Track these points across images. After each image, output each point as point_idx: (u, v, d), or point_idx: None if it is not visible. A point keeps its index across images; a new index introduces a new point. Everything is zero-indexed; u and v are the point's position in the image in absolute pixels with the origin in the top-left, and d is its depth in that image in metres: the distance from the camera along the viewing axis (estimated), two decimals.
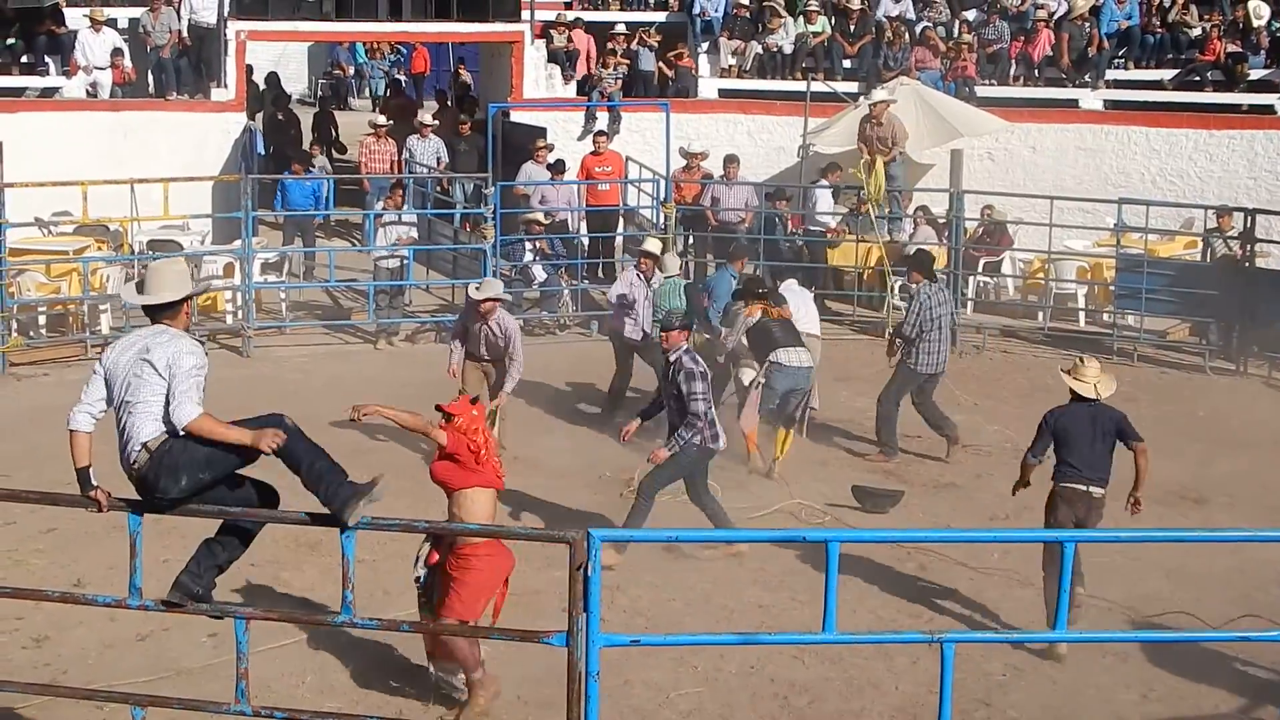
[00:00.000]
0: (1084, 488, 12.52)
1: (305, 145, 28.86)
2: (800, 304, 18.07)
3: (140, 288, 9.25)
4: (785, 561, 13.57)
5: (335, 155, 30.45)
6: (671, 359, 14.07)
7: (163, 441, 8.84)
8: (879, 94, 24.42)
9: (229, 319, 22.20)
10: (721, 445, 14.23)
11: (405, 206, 23.61)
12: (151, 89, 26.78)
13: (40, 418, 17.36)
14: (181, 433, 8.81)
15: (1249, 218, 21.49)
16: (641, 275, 18.43)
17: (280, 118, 30.60)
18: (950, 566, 13.84)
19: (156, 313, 9.17)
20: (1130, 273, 22.20)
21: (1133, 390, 20.12)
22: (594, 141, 25.66)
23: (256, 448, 8.84)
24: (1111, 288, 22.69)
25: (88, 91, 26.25)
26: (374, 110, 35.02)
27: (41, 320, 21.50)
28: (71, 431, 9.00)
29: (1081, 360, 13.16)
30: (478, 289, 16.70)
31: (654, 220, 24.02)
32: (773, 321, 17.02)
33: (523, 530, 9.69)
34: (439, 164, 26.29)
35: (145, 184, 21.96)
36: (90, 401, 9.03)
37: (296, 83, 41.23)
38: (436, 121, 27.85)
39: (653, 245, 18.84)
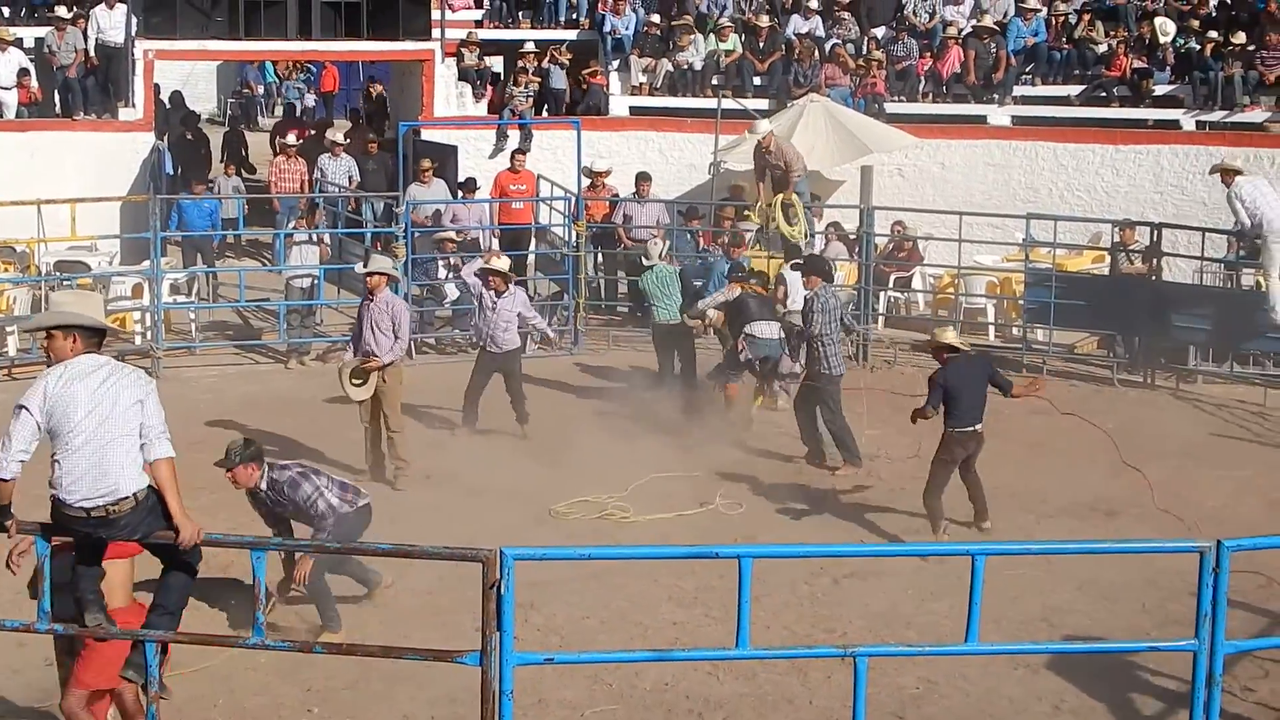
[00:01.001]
0: (972, 429, 15.16)
1: (215, 164, 28.69)
2: (798, 287, 19.14)
3: (55, 310, 9.14)
4: (699, 578, 13.58)
5: (245, 175, 30.26)
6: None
7: (147, 490, 8.78)
8: (762, 125, 24.31)
9: (138, 340, 22.00)
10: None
11: (319, 225, 23.52)
12: (58, 109, 26.56)
13: None
14: (149, 460, 8.74)
15: (1154, 232, 21.70)
16: (493, 291, 18.32)
17: (189, 137, 30.40)
18: (864, 581, 13.88)
19: (91, 343, 9.01)
20: (1039, 287, 22.36)
21: (1043, 404, 20.30)
22: (512, 159, 25.57)
23: (178, 527, 8.80)
24: (1020, 302, 22.87)
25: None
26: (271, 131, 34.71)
27: None
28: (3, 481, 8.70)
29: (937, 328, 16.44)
30: (364, 265, 17.28)
31: (565, 238, 23.99)
32: (750, 296, 19.03)
33: (435, 549, 9.62)
34: (350, 183, 26.19)
35: (52, 204, 21.76)
36: (24, 448, 8.69)
37: (206, 102, 41.00)
38: (348, 140, 27.75)
39: (500, 264, 18.70)
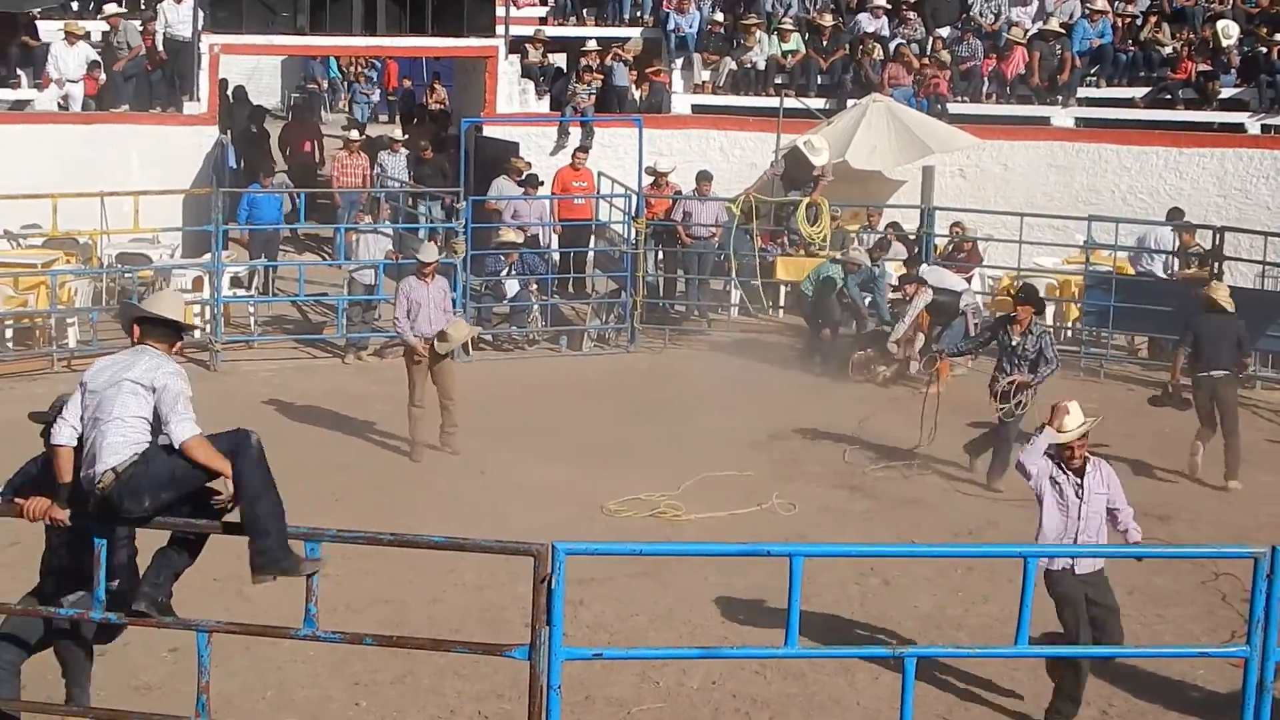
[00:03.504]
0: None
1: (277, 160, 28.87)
2: (944, 275, 21.80)
3: (140, 301, 9.27)
4: (749, 576, 13.57)
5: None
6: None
7: (129, 465, 8.82)
8: (823, 156, 24.58)
9: (197, 333, 22.13)
10: None
11: (382, 220, 23.64)
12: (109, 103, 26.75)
13: (5, 432, 17.31)
14: (176, 446, 8.80)
15: (1217, 235, 21.55)
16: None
17: (254, 131, 30.56)
18: (914, 582, 13.85)
19: (146, 335, 9.18)
20: (1099, 290, 22.26)
21: (1100, 407, 20.17)
22: (574, 157, 25.67)
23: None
24: (1080, 305, 22.75)
25: (59, 104, 26.23)
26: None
27: (9, 334, 21.38)
28: (55, 446, 9.02)
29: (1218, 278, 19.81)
30: (422, 254, 18.08)
31: (625, 235, 24.03)
32: (936, 292, 21.24)
33: (487, 543, 9.67)
34: (409, 179, 26.30)
35: (115, 197, 21.94)
36: (72, 418, 9.03)
37: (270, 97, 41.17)
38: (406, 136, 27.89)
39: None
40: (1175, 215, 23.38)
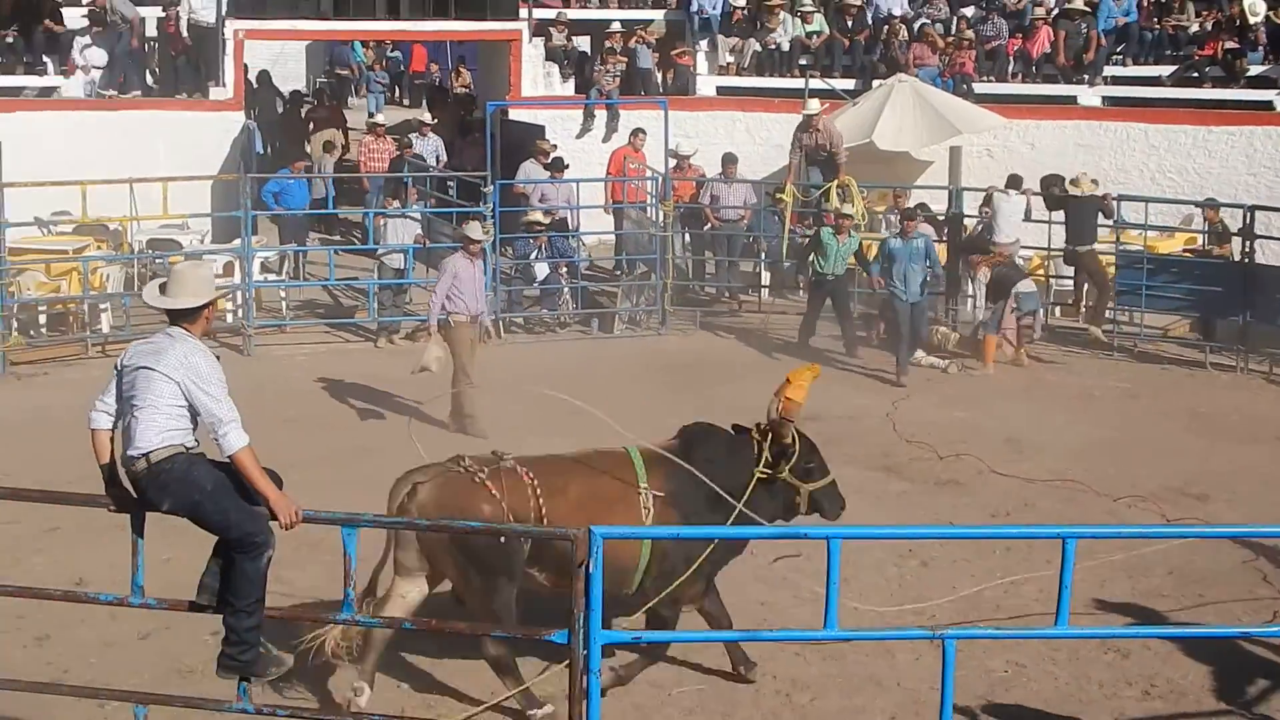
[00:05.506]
0: None
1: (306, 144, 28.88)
2: (1011, 213, 22.63)
3: (163, 289, 9.24)
4: (787, 560, 13.53)
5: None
6: None
7: (165, 458, 8.85)
8: (813, 104, 24.53)
9: (229, 318, 22.18)
10: None
11: (410, 205, 23.63)
12: (125, 88, 26.75)
13: (40, 417, 17.40)
14: (226, 456, 8.84)
15: (1248, 214, 21.46)
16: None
17: (290, 117, 30.60)
18: (952, 563, 13.83)
19: (177, 316, 9.16)
20: (1130, 269, 22.19)
21: (1134, 386, 20.20)
22: (632, 138, 25.71)
23: (272, 508, 8.92)
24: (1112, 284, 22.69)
25: (86, 90, 26.26)
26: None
27: (41, 319, 21.48)
28: (91, 430, 9.11)
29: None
30: (470, 231, 18.27)
31: (654, 218, 23.99)
32: (1001, 268, 21.43)
33: (525, 528, 9.67)
34: (439, 163, 26.29)
35: (144, 183, 21.97)
36: (106, 400, 9.11)
37: (295, 82, 41.16)
38: (435, 120, 27.87)
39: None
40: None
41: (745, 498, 10.97)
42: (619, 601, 10.72)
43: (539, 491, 10.69)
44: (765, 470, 11.10)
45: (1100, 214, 22.24)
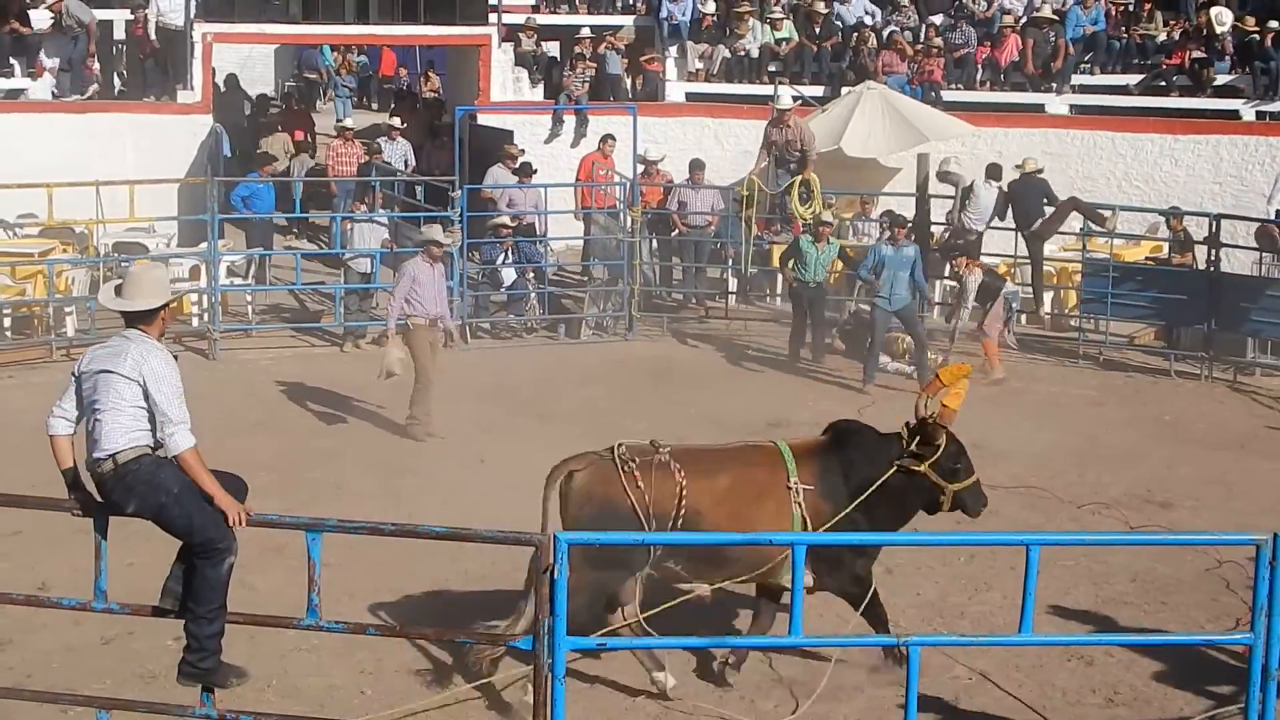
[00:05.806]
0: None
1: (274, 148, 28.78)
2: (988, 201, 23.06)
3: (119, 291, 9.22)
4: None
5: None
6: None
7: (132, 459, 8.87)
8: (785, 100, 24.58)
9: (195, 322, 22.11)
10: None
11: (377, 209, 23.57)
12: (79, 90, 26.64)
13: (3, 421, 17.30)
14: (170, 456, 8.86)
15: (1214, 222, 21.54)
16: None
17: (259, 120, 30.52)
18: (917, 570, 13.84)
19: (133, 318, 9.14)
20: (1096, 277, 22.26)
21: (1099, 394, 20.26)
22: (601, 145, 25.60)
23: (221, 509, 8.94)
24: (1077, 292, 22.77)
25: (53, 93, 26.17)
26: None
27: (6, 322, 21.36)
28: (50, 437, 9.10)
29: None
30: (432, 233, 18.36)
31: (621, 224, 23.98)
32: (986, 276, 21.40)
33: (489, 533, 9.68)
34: (406, 167, 26.26)
35: (111, 186, 21.90)
36: (64, 406, 9.11)
37: (263, 85, 41.06)
38: (404, 124, 27.84)
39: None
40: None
41: (876, 487, 11.24)
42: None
43: (684, 484, 10.97)
44: (908, 464, 11.31)
45: (1045, 199, 22.86)
